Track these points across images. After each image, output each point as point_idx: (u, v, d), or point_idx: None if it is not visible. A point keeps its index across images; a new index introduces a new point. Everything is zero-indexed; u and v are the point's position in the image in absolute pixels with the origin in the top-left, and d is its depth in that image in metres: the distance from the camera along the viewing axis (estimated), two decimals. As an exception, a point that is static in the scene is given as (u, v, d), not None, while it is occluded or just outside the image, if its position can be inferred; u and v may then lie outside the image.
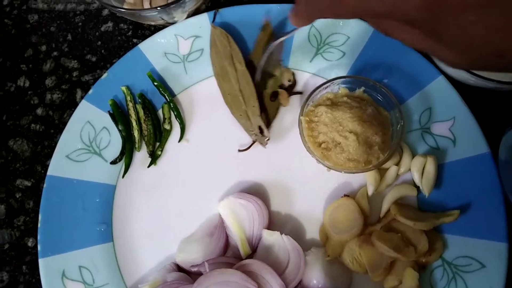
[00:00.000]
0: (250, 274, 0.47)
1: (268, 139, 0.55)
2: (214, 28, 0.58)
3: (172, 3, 0.56)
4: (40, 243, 0.54)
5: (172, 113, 0.59)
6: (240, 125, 0.57)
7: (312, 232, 0.54)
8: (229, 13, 0.60)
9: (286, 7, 0.59)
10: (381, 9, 0.29)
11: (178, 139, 0.58)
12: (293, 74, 0.59)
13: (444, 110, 0.54)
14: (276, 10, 0.59)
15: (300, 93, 0.59)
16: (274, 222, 0.54)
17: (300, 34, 0.59)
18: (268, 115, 0.57)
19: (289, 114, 0.58)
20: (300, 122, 0.53)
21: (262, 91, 0.57)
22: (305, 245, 0.52)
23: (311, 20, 0.39)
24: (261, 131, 0.55)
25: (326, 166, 0.52)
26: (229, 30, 0.59)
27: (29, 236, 0.59)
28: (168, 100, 0.58)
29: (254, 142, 0.56)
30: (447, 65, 0.32)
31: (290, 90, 0.59)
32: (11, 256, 0.59)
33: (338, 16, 0.35)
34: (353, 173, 0.51)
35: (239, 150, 0.57)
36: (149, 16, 0.58)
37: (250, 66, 0.57)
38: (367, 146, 0.50)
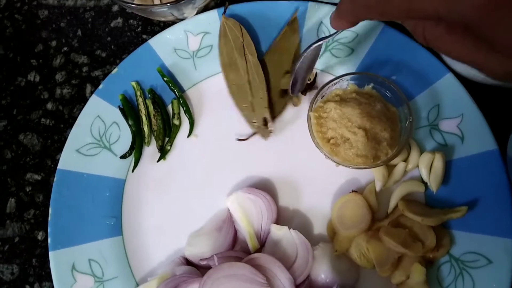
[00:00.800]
0: (258, 267, 0.48)
1: (271, 132, 0.56)
2: (226, 19, 0.59)
3: (182, -1, 0.56)
4: (50, 236, 0.54)
5: (181, 108, 0.59)
6: (242, 116, 0.57)
7: (319, 227, 0.54)
8: (241, 10, 0.60)
9: (297, 3, 0.59)
10: (434, 8, 0.27)
11: (187, 134, 0.59)
12: (316, 74, 0.59)
13: (452, 107, 0.54)
14: (288, 8, 0.60)
15: (314, 90, 0.59)
16: (282, 217, 0.55)
17: (309, 31, 0.59)
18: (273, 110, 0.57)
19: (297, 110, 0.59)
20: (309, 117, 0.53)
21: (272, 86, 0.58)
22: (313, 240, 0.52)
23: (356, 21, 0.37)
24: (265, 123, 0.56)
25: (335, 162, 0.52)
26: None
27: (39, 229, 0.60)
28: (178, 95, 0.59)
29: (254, 133, 0.57)
30: (496, 78, 0.31)
31: (308, 88, 0.59)
32: (21, 249, 0.59)
33: (385, 16, 0.33)
34: (362, 168, 0.51)
35: (238, 139, 0.57)
36: (159, 12, 0.59)
37: (263, 61, 0.58)
38: (376, 142, 0.51)
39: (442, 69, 0.55)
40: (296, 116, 0.58)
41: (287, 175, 0.56)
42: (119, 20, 0.68)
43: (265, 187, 0.56)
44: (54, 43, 0.68)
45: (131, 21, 0.67)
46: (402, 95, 0.52)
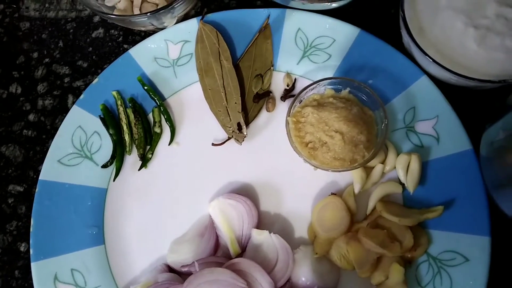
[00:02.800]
0: (239, 272, 0.48)
1: (245, 136, 0.57)
2: (203, 25, 0.60)
3: (161, 9, 0.57)
4: (32, 247, 0.54)
5: (162, 116, 0.60)
6: (218, 120, 0.58)
7: (300, 231, 0.55)
8: (218, 17, 0.61)
9: (274, 11, 0.60)
10: None
11: (168, 142, 0.59)
12: (295, 80, 0.60)
13: (427, 109, 0.55)
14: (264, 15, 0.61)
15: (293, 96, 0.60)
16: (263, 221, 0.55)
17: (287, 38, 0.60)
18: (247, 115, 0.58)
19: (271, 115, 0.60)
20: (287, 122, 0.54)
21: (246, 91, 0.59)
22: (294, 244, 0.53)
23: None
24: (240, 128, 0.56)
25: (313, 165, 0.53)
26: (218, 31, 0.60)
27: (21, 241, 0.60)
28: (158, 104, 0.59)
29: (229, 138, 0.58)
30: None
31: (287, 94, 0.60)
32: (4, 261, 0.59)
33: None
34: (339, 171, 0.52)
35: (213, 144, 0.58)
36: (139, 22, 0.59)
37: (237, 67, 0.59)
38: (353, 145, 0.51)
39: (417, 72, 0.56)
40: (271, 121, 0.59)
41: (267, 180, 0.57)
42: (100, 30, 0.68)
43: (246, 192, 0.56)
44: (35, 54, 0.68)
45: (112, 31, 0.68)
46: (377, 99, 0.53)
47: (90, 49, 0.68)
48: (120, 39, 0.68)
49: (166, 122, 0.60)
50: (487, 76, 0.51)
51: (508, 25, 0.52)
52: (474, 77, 0.51)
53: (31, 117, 0.65)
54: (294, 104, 0.55)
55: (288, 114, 0.54)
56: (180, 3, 0.58)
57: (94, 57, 0.67)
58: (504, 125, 0.45)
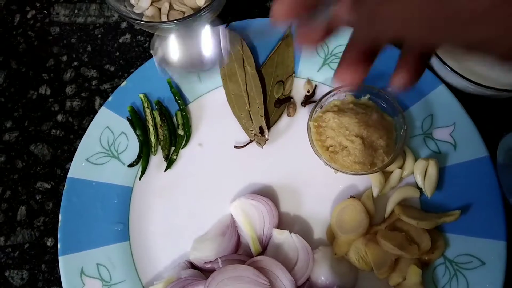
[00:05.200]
0: (261, 270, 0.50)
1: (267, 140, 0.59)
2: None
3: (188, 16, 0.60)
4: (60, 241, 0.56)
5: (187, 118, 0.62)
6: (240, 124, 0.61)
7: (319, 232, 0.56)
8: (242, 25, 0.64)
9: (295, 20, 0.63)
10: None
11: (192, 144, 0.62)
12: (315, 86, 0.62)
13: (445, 116, 0.57)
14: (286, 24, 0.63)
15: (313, 102, 0.62)
16: (283, 222, 0.57)
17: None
18: (269, 119, 0.61)
19: (291, 120, 0.62)
20: (309, 127, 0.56)
21: (267, 97, 0.61)
22: (313, 244, 0.54)
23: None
24: (262, 132, 0.58)
25: (334, 168, 0.54)
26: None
27: (48, 236, 0.62)
28: (181, 108, 0.62)
29: (251, 141, 0.60)
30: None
31: (307, 100, 0.62)
32: (31, 255, 0.61)
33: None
34: (359, 175, 0.53)
35: (235, 147, 0.60)
36: (166, 28, 0.62)
37: (260, 73, 0.62)
38: (372, 150, 0.53)
39: (435, 81, 0.58)
40: (291, 126, 0.61)
41: (288, 182, 0.59)
42: (127, 36, 0.71)
43: (267, 194, 0.58)
44: (64, 58, 0.71)
45: (139, 37, 0.71)
46: (397, 105, 0.55)
47: (117, 53, 0.70)
48: (146, 44, 0.70)
49: (184, 127, 0.62)
50: (504, 85, 0.52)
51: (524, 36, 0.53)
52: (491, 86, 0.52)
53: (59, 117, 0.68)
54: (315, 109, 0.57)
55: (310, 119, 0.56)
56: (207, 11, 0.61)
57: (121, 61, 0.70)
58: (521, 133, 0.47)
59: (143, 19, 0.65)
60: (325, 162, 0.54)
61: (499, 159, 0.51)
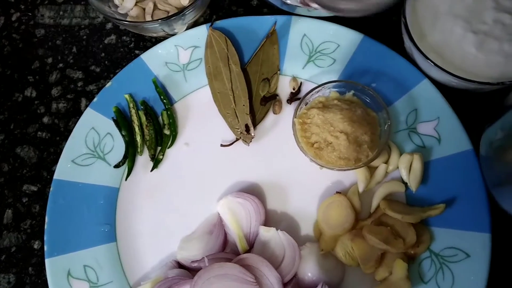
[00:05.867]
0: (248, 267, 0.50)
1: (253, 137, 0.59)
2: (212, 31, 0.62)
3: (172, 15, 0.60)
4: (46, 243, 0.56)
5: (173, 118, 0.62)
6: (226, 122, 0.61)
7: (306, 228, 0.56)
8: (227, 24, 0.64)
9: (280, 18, 0.63)
10: None
11: (178, 143, 0.61)
12: (301, 83, 0.63)
13: (429, 110, 0.57)
14: (271, 22, 0.63)
15: (299, 99, 0.62)
16: (270, 219, 0.57)
17: (293, 43, 0.63)
18: (255, 117, 0.61)
19: (277, 117, 0.62)
20: (294, 123, 0.56)
21: (253, 95, 0.61)
22: (300, 241, 0.54)
23: None
24: (247, 130, 0.59)
25: (319, 165, 0.55)
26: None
27: (35, 239, 0.62)
28: (166, 108, 0.62)
29: (237, 139, 0.60)
30: None
31: (293, 97, 0.62)
32: (18, 259, 0.61)
33: None
34: (344, 170, 0.54)
35: (222, 145, 0.60)
36: (151, 28, 0.62)
37: (245, 71, 0.62)
38: (357, 145, 0.53)
39: (419, 76, 0.58)
40: (277, 123, 0.62)
41: (274, 179, 0.59)
42: (113, 37, 0.71)
43: (253, 191, 0.58)
44: (50, 60, 0.71)
45: (124, 37, 0.71)
46: (380, 101, 0.55)
47: (103, 54, 0.70)
48: (131, 45, 0.70)
49: (170, 127, 0.61)
50: (486, 79, 0.53)
51: (505, 30, 0.54)
52: (474, 80, 0.53)
53: (45, 119, 0.67)
54: (300, 106, 0.57)
55: (295, 116, 0.56)
56: (191, 10, 0.61)
57: (106, 62, 0.70)
58: (502, 125, 0.47)
59: (127, 19, 0.65)
60: (310, 158, 0.54)
61: (481, 152, 0.52)
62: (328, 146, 0.54)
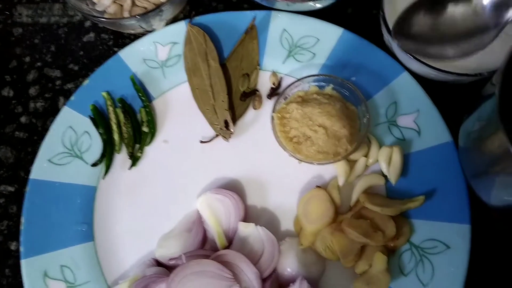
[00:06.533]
0: (225, 264, 0.49)
1: (232, 133, 0.58)
2: (191, 27, 0.62)
3: (149, 11, 0.59)
4: (22, 244, 0.55)
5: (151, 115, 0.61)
6: (206, 119, 0.60)
7: (287, 224, 0.56)
8: (206, 19, 0.63)
9: (260, 13, 0.63)
10: None
11: (157, 141, 0.61)
12: (281, 78, 0.62)
13: (408, 103, 0.57)
14: (250, 17, 0.63)
15: (279, 94, 0.61)
16: (251, 215, 0.56)
17: (273, 38, 0.62)
18: (234, 113, 0.60)
19: (258, 112, 0.61)
20: (272, 118, 0.55)
21: (233, 90, 0.60)
22: (281, 236, 0.54)
23: None
24: (227, 125, 0.58)
25: (298, 159, 0.54)
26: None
27: (12, 240, 0.60)
28: (144, 105, 0.61)
29: (217, 135, 0.59)
30: None
31: (273, 92, 0.62)
32: (-5, 260, 0.60)
33: None
34: (323, 164, 0.53)
35: (201, 142, 0.59)
36: (128, 24, 0.61)
37: (225, 67, 0.61)
38: (336, 139, 0.53)
39: (398, 68, 0.58)
40: (257, 119, 0.61)
41: (254, 175, 0.58)
42: (91, 34, 0.70)
43: (233, 188, 0.57)
44: (28, 59, 0.70)
45: (103, 35, 0.70)
46: (359, 94, 0.55)
47: (82, 52, 0.69)
48: (110, 42, 0.69)
49: (149, 124, 0.61)
50: (464, 70, 0.53)
51: (482, 21, 0.54)
52: (452, 71, 0.53)
53: (23, 119, 0.66)
54: (279, 101, 0.56)
55: (273, 110, 0.56)
56: (168, 6, 0.60)
57: (85, 60, 0.69)
58: (479, 116, 0.46)
59: (105, 16, 0.64)
60: (289, 153, 0.54)
61: (460, 144, 0.51)
62: (307, 140, 0.53)
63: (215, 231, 0.54)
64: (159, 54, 0.63)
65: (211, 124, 0.60)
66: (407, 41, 0.40)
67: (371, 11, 0.66)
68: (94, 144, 0.60)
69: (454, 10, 0.40)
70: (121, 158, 0.60)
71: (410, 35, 0.40)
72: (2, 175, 0.64)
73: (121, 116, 0.60)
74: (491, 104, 0.41)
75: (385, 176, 0.55)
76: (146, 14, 0.59)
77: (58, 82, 0.68)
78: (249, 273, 0.49)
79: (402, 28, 0.39)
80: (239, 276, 0.49)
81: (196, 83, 0.61)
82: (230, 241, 0.54)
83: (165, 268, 0.53)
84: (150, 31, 0.64)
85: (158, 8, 0.59)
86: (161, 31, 0.64)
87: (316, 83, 0.58)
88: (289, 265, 0.51)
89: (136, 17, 0.59)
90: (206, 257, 0.50)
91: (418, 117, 0.56)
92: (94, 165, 0.59)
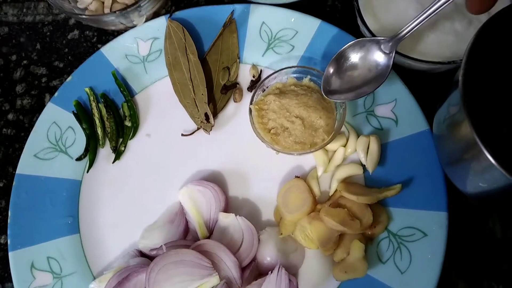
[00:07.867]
0: (205, 253, 0.50)
1: (212, 126, 0.59)
2: (170, 22, 0.62)
3: (128, 7, 0.60)
4: (9, 237, 0.56)
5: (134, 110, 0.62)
6: (187, 112, 0.60)
7: (268, 214, 0.57)
8: (186, 14, 0.64)
9: (239, 7, 0.63)
10: None
11: (140, 135, 0.62)
12: (261, 71, 0.63)
13: (386, 93, 0.58)
14: (229, 10, 0.63)
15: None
16: (232, 206, 0.57)
17: (252, 31, 0.63)
18: (215, 106, 0.61)
19: (238, 105, 0.62)
20: (250, 110, 0.56)
21: (214, 84, 0.61)
22: (262, 226, 0.55)
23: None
24: (207, 118, 0.59)
25: (276, 150, 0.55)
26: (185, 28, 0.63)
27: (0, 234, 0.62)
28: (126, 99, 0.62)
29: (198, 128, 0.60)
30: None
31: (253, 85, 0.62)
32: (-16, 254, 0.61)
33: None
34: (301, 154, 0.54)
35: (182, 135, 0.60)
36: (109, 21, 0.62)
37: (205, 61, 0.62)
38: (313, 129, 0.53)
39: (376, 59, 0.58)
40: (238, 111, 0.62)
41: (235, 166, 0.59)
42: (76, 32, 0.71)
43: (215, 179, 0.58)
44: (14, 57, 0.71)
45: (87, 32, 0.71)
46: (337, 85, 0.56)
47: (66, 50, 0.70)
48: (94, 39, 0.70)
49: (131, 118, 0.61)
50: (438, 58, 0.53)
51: (457, 10, 0.54)
52: (426, 60, 0.53)
53: (10, 116, 0.68)
54: (257, 93, 0.57)
55: (251, 103, 0.56)
56: (146, 1, 0.61)
57: (70, 57, 0.70)
58: (450, 103, 0.47)
59: (86, 13, 0.65)
60: (267, 144, 0.55)
61: (434, 131, 0.52)
62: (285, 131, 0.54)
63: (196, 221, 0.55)
64: (140, 49, 0.64)
65: (192, 117, 0.61)
66: (334, 95, 0.53)
67: (350, 2, 0.66)
68: (78, 139, 0.61)
69: (352, 72, 0.53)
70: (105, 152, 0.61)
71: (333, 91, 0.53)
72: (-9, 172, 0.65)
73: (104, 111, 0.61)
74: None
75: (363, 166, 0.55)
76: (125, 10, 0.60)
77: (44, 80, 0.69)
78: (228, 262, 0.50)
79: (325, 88, 0.53)
80: (218, 265, 0.50)
81: (177, 77, 0.62)
82: (211, 231, 0.55)
83: (148, 258, 0.55)
84: (131, 27, 0.65)
85: (136, 3, 0.60)
86: (142, 27, 0.64)
87: (294, 75, 0.58)
88: (269, 254, 0.52)
89: (115, 13, 0.60)
90: (187, 247, 0.51)
91: (395, 106, 0.57)
92: (78, 159, 0.60)
